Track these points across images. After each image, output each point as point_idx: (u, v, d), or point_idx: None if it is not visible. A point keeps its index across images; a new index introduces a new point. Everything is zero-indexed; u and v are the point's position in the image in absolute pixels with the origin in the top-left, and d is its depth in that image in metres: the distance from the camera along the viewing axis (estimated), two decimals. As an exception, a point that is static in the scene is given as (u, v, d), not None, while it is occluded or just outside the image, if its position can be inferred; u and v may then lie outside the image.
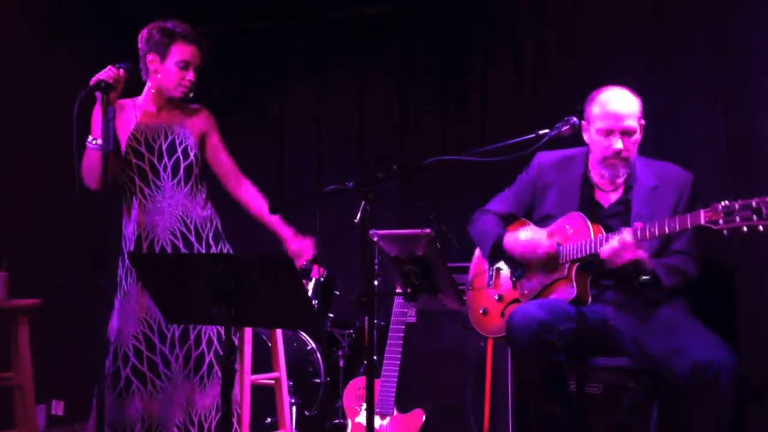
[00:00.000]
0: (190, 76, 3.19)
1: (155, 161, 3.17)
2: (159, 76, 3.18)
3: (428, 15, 5.03)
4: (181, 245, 3.16)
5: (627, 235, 2.76)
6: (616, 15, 4.28)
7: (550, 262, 2.99)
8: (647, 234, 2.75)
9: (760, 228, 2.51)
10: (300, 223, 5.11)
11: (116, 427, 3.07)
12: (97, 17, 4.90)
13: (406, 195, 4.98)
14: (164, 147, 3.19)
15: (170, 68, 3.17)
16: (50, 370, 4.22)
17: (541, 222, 3.13)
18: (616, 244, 2.76)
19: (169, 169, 3.18)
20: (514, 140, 2.84)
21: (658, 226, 2.72)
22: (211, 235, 3.23)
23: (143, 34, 3.21)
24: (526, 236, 3.03)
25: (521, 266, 3.11)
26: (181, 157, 3.20)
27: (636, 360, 2.91)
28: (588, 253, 2.89)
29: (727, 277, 3.29)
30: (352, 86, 5.29)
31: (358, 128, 5.26)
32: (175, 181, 3.19)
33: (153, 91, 3.22)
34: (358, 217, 2.57)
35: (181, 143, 3.21)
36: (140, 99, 3.25)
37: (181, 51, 3.16)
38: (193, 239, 3.18)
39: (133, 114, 3.21)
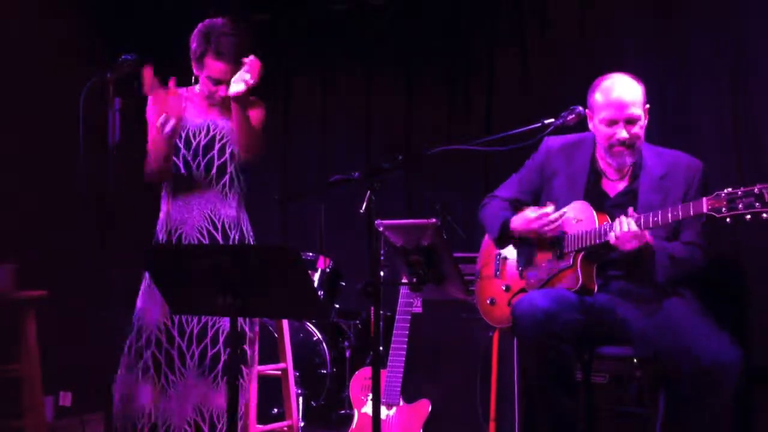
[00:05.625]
0: (222, 92, 3.14)
1: (189, 158, 3.17)
2: (199, 83, 3.18)
3: (433, 7, 5.01)
4: (206, 243, 3.14)
5: (632, 224, 2.75)
6: (623, 7, 4.26)
7: (557, 241, 3.00)
8: (650, 222, 2.74)
9: (764, 215, 2.50)
10: (306, 214, 5.16)
11: (125, 416, 3.07)
12: (99, 15, 4.91)
13: (412, 185, 4.98)
14: (202, 144, 3.18)
15: (203, 80, 3.16)
16: (58, 361, 4.24)
17: (547, 209, 3.12)
18: (620, 231, 2.76)
19: (202, 167, 3.17)
20: (519, 129, 2.84)
21: (662, 215, 2.71)
22: (237, 236, 3.22)
23: (192, 36, 3.15)
24: (533, 213, 3.02)
25: (527, 255, 3.10)
26: (216, 155, 3.19)
27: (642, 350, 2.91)
28: (593, 242, 2.89)
29: (736, 262, 3.28)
30: (357, 78, 5.27)
31: (363, 121, 5.25)
32: (207, 180, 3.18)
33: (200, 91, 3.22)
34: (363, 207, 2.57)
35: (221, 139, 3.20)
36: (196, 89, 3.23)
37: (211, 67, 3.11)
38: (219, 238, 3.17)
39: (182, 107, 3.19)
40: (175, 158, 3.17)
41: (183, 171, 3.17)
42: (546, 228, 2.98)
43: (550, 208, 2.98)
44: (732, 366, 2.62)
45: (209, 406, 3.07)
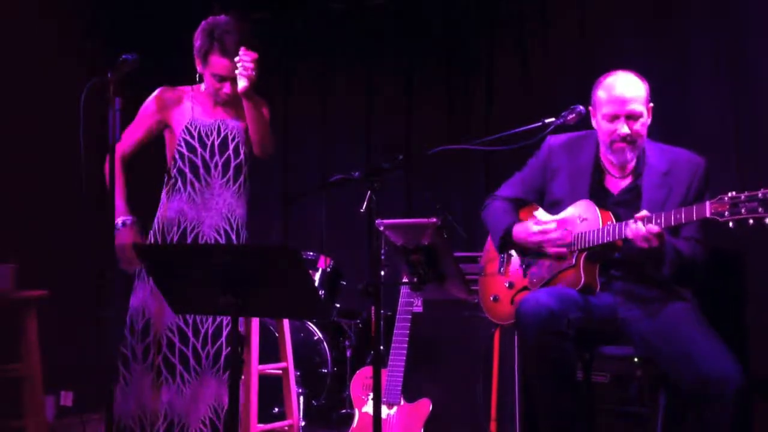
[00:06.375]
0: (227, 89, 3.15)
1: (207, 157, 3.17)
2: (203, 81, 3.18)
3: (433, 7, 5.01)
4: (223, 243, 3.15)
5: (651, 227, 2.73)
6: (623, 7, 4.26)
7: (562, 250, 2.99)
8: (653, 224, 2.74)
9: (767, 220, 2.50)
10: (307, 214, 5.16)
11: (137, 414, 3.07)
12: (99, 15, 4.90)
13: (412, 185, 4.99)
14: (216, 144, 3.18)
15: (208, 78, 3.16)
16: (58, 361, 4.24)
17: (551, 207, 3.11)
18: (637, 230, 2.74)
19: (219, 167, 3.18)
20: (519, 129, 2.84)
21: (665, 218, 2.71)
22: (246, 236, 3.24)
23: (195, 33, 3.15)
24: (536, 227, 3.02)
25: (531, 254, 3.10)
26: (232, 155, 3.19)
27: (643, 350, 2.91)
28: (597, 242, 2.88)
29: (736, 266, 3.27)
30: (357, 78, 5.27)
31: (363, 120, 5.25)
32: (225, 179, 3.19)
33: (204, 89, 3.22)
34: (363, 207, 2.57)
35: (233, 139, 3.20)
36: (202, 87, 3.23)
37: (216, 64, 3.11)
38: (234, 237, 3.19)
39: (189, 106, 3.20)
40: (192, 156, 3.17)
41: (202, 170, 3.17)
42: (547, 245, 2.98)
43: (552, 225, 2.98)
44: (733, 378, 2.62)
45: (223, 405, 3.08)
